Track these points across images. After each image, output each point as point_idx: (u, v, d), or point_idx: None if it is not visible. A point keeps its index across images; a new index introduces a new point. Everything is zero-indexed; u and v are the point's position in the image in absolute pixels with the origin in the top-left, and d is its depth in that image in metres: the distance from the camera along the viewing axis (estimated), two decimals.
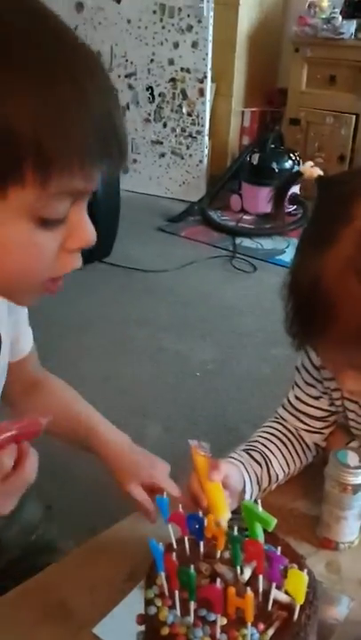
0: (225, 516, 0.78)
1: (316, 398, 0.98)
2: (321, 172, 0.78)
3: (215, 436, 1.98)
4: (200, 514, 0.75)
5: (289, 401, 1.01)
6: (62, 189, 0.55)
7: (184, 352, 2.51)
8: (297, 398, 1.00)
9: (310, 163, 0.80)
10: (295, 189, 3.69)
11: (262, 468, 0.94)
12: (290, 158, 3.82)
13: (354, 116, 3.94)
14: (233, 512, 0.81)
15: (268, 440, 0.98)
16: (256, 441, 0.98)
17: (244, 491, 0.89)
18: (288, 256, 3.40)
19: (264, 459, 0.95)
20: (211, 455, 0.85)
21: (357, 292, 0.68)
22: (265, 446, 0.97)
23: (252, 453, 0.95)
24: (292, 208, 3.89)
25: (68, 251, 0.61)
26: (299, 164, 3.81)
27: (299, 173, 0.80)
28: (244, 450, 0.96)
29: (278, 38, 4.46)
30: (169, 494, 0.80)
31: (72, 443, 0.96)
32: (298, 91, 4.20)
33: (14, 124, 0.50)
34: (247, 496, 0.89)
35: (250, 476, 0.91)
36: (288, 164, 3.81)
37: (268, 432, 1.00)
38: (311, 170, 0.78)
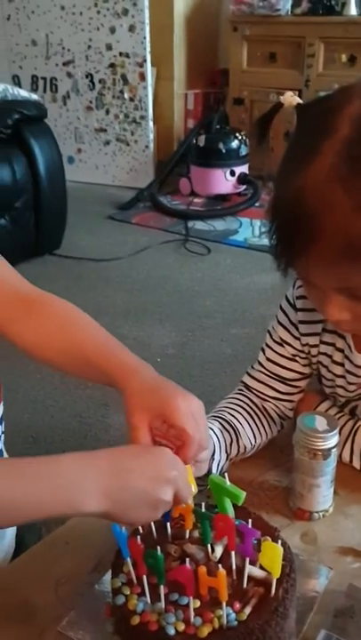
0: (192, 493, 0.74)
1: (291, 359, 0.94)
2: (300, 100, 0.76)
3: None
4: None
5: (260, 363, 0.97)
6: None
7: (143, 338, 2.46)
8: (269, 360, 0.96)
9: (290, 92, 0.78)
10: (244, 169, 3.68)
11: (232, 437, 0.90)
12: (236, 138, 3.79)
13: (296, 92, 3.89)
14: (199, 479, 0.76)
15: (236, 410, 0.94)
16: (223, 410, 0.94)
17: (212, 458, 0.84)
18: (241, 236, 3.37)
19: (233, 428, 0.91)
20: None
21: (342, 201, 0.65)
22: (233, 416, 0.93)
23: (221, 422, 0.91)
24: (242, 188, 3.89)
25: None
26: (245, 144, 3.79)
27: (279, 104, 0.78)
28: (212, 417, 0.92)
29: (216, 18, 4.42)
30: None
31: (79, 373, 0.82)
32: (239, 70, 4.17)
33: None
34: (215, 465, 0.85)
35: (220, 444, 0.87)
36: (235, 143, 3.78)
37: (234, 403, 0.96)
38: (291, 98, 0.77)
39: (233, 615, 0.63)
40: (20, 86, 4.02)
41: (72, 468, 0.63)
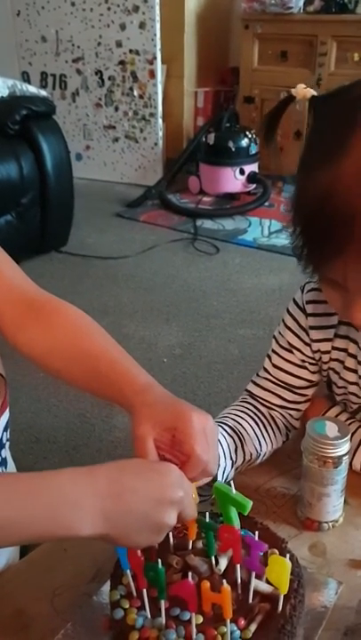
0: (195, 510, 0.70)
1: (300, 366, 0.90)
2: (314, 92, 0.72)
3: None
4: None
5: (266, 370, 0.93)
6: None
7: (149, 338, 2.43)
8: (275, 367, 0.92)
9: (302, 85, 0.74)
10: (254, 168, 3.63)
11: (236, 443, 0.86)
12: (246, 136, 3.75)
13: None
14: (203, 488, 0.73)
15: (240, 417, 0.90)
16: (226, 416, 0.90)
17: (218, 465, 0.80)
18: (250, 235, 3.34)
19: (237, 434, 0.87)
20: None
21: None
22: (237, 422, 0.89)
23: (225, 427, 0.87)
24: (251, 187, 3.85)
25: None
26: (255, 142, 3.75)
27: (291, 97, 0.74)
28: (215, 423, 0.88)
29: (227, 15, 4.38)
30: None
31: (88, 385, 0.77)
32: (250, 68, 4.13)
33: None
34: (220, 472, 0.81)
35: (224, 450, 0.83)
36: (244, 142, 3.73)
37: (238, 409, 0.92)
38: (304, 90, 0.73)
39: (237, 633, 0.59)
40: (30, 83, 3.99)
41: (69, 486, 0.57)
